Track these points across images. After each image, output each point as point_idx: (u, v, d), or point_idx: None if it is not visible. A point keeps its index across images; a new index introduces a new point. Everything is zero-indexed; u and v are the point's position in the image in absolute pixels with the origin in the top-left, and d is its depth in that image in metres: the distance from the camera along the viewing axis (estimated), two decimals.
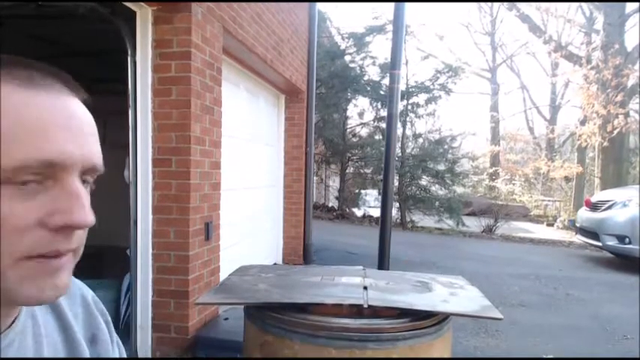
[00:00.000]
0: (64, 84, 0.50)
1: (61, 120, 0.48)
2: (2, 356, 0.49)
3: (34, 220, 0.46)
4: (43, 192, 0.46)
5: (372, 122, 12.43)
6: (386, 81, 10.74)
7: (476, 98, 28.91)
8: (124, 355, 0.74)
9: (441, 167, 11.40)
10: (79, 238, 0.50)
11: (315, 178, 10.96)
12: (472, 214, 11.87)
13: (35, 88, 0.47)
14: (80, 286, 0.68)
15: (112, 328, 0.71)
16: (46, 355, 0.56)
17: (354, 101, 12.80)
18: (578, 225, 7.69)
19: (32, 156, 0.45)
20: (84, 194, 0.49)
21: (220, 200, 3.53)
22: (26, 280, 0.47)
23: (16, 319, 0.53)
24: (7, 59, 0.48)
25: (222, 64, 3.49)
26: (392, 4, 4.12)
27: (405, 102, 11.29)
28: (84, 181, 0.50)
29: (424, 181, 11.44)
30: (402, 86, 8.13)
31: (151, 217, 3.05)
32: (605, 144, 12.93)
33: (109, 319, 0.70)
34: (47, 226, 0.46)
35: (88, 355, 0.62)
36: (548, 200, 18.24)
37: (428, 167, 11.27)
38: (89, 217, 0.48)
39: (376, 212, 10.97)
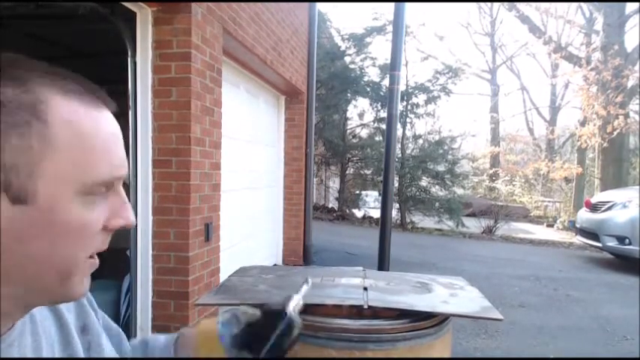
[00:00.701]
0: (104, 99, 0.54)
1: (117, 136, 0.54)
2: (3, 356, 0.50)
3: (102, 225, 0.52)
4: (104, 200, 0.52)
5: (372, 123, 12.43)
6: (386, 82, 10.74)
7: (476, 99, 29.07)
8: (111, 324, 0.76)
9: (441, 168, 11.40)
10: None
11: (315, 179, 10.96)
12: (472, 215, 11.86)
13: (101, 108, 0.52)
14: None
15: (95, 306, 0.72)
16: (44, 353, 0.57)
17: (354, 102, 12.80)
18: (578, 226, 7.69)
19: (111, 172, 0.51)
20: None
21: (220, 201, 3.53)
22: (83, 278, 0.53)
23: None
24: (56, 73, 0.50)
25: (222, 65, 3.49)
26: (392, 5, 4.13)
27: (405, 103, 11.29)
28: None
29: (424, 182, 11.44)
30: (402, 87, 8.14)
31: (151, 218, 3.05)
32: (605, 145, 12.94)
33: (91, 297, 0.71)
34: (108, 228, 0.53)
35: (81, 349, 0.63)
36: (548, 201, 18.24)
37: (428, 168, 11.27)
38: (134, 218, 0.56)
39: (376, 213, 10.96)
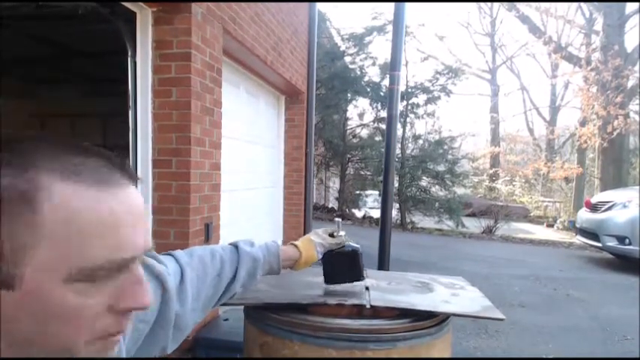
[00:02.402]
0: (123, 173, 0.52)
1: (129, 214, 0.50)
2: None
3: (104, 307, 0.49)
4: (111, 282, 0.49)
5: (372, 123, 12.43)
6: (386, 82, 10.75)
7: (476, 99, 29.10)
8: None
9: (441, 168, 11.39)
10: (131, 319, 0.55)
11: (315, 179, 10.96)
12: (472, 215, 11.86)
13: (106, 186, 0.49)
14: None
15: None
16: None
17: (354, 102, 12.80)
18: (578, 226, 7.69)
19: (110, 256, 0.48)
20: (144, 278, 0.52)
21: (220, 201, 3.53)
22: (94, 353, 0.51)
23: None
24: (66, 152, 0.49)
25: (222, 65, 3.49)
26: (392, 5, 4.13)
27: (405, 103, 11.29)
28: None
29: (424, 182, 11.44)
30: (402, 87, 8.13)
31: (151, 218, 3.05)
32: (605, 145, 12.94)
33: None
34: (115, 310, 0.50)
35: None
36: (548, 201, 18.25)
37: (428, 168, 11.27)
38: (149, 299, 0.52)
39: (376, 213, 10.97)
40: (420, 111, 11.78)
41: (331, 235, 1.38)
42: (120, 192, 0.50)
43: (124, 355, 0.68)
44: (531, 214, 16.01)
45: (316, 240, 1.32)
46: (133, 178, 0.53)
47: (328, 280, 1.43)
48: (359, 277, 1.43)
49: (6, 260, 0.45)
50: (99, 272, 0.47)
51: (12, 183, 0.46)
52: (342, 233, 1.40)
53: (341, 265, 1.40)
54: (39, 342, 0.47)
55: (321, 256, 1.33)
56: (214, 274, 1.02)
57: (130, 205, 0.51)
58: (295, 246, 1.28)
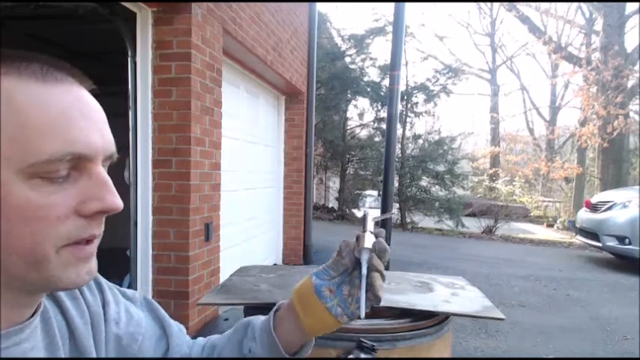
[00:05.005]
0: (73, 76, 0.52)
1: (81, 112, 0.50)
2: (3, 356, 0.50)
3: (71, 209, 0.48)
4: (72, 182, 0.49)
5: (372, 123, 12.43)
6: (386, 82, 10.75)
7: (476, 99, 29.07)
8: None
9: (441, 168, 11.39)
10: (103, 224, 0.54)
11: (315, 179, 10.95)
12: (472, 214, 11.85)
13: (53, 82, 0.49)
14: None
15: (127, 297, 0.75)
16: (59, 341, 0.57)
17: (353, 102, 12.80)
18: (578, 226, 7.69)
19: (62, 149, 0.47)
20: (110, 180, 0.52)
21: (220, 201, 3.53)
22: (68, 267, 0.50)
23: (36, 311, 0.54)
24: (20, 55, 0.49)
25: (222, 65, 3.49)
26: (392, 5, 4.13)
27: (404, 103, 11.29)
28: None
29: (424, 182, 11.44)
30: (401, 87, 8.14)
31: (151, 217, 3.05)
32: (605, 145, 12.94)
33: (117, 290, 0.74)
34: (82, 213, 0.49)
35: (87, 338, 0.62)
36: (548, 201, 18.25)
37: (428, 168, 11.27)
38: (119, 201, 0.52)
39: (376, 213, 10.94)
40: (420, 110, 11.79)
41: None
42: (70, 90, 0.50)
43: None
44: (531, 214, 16.01)
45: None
46: (86, 82, 0.53)
47: None
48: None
49: None
50: (52, 167, 0.46)
51: None
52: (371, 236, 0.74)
53: None
54: (6, 244, 0.46)
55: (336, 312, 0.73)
56: None
57: (81, 102, 0.50)
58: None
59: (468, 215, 11.55)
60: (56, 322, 0.58)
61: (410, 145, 11.97)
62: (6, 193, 0.45)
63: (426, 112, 11.86)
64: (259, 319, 0.77)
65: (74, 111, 0.49)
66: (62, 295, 0.61)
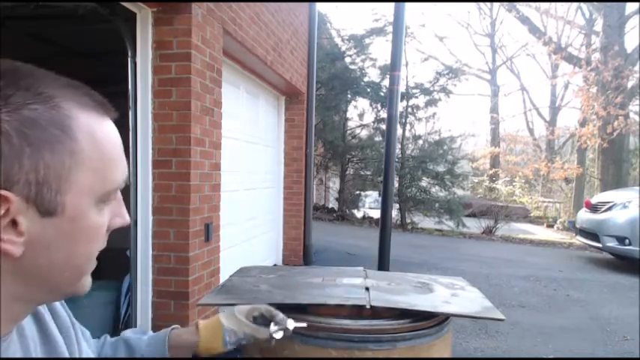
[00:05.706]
0: (108, 108, 0.56)
1: (119, 146, 0.56)
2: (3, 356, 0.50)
3: (106, 227, 0.56)
4: (110, 202, 0.56)
5: (372, 124, 12.43)
6: (386, 82, 10.75)
7: (476, 100, 29.07)
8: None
9: (441, 169, 11.40)
10: None
11: (315, 179, 10.95)
12: (472, 215, 11.86)
13: (106, 117, 0.54)
14: None
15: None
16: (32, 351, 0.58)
17: (353, 103, 12.81)
18: (578, 226, 7.69)
19: (122, 178, 0.55)
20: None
21: (220, 201, 3.53)
22: (89, 274, 0.57)
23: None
24: (68, 83, 0.52)
25: (222, 66, 3.49)
26: (392, 5, 4.13)
27: (404, 103, 11.29)
28: None
29: (424, 182, 11.44)
30: (401, 88, 8.14)
31: (151, 218, 3.04)
32: (605, 145, 12.94)
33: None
34: (109, 228, 0.57)
35: (63, 344, 0.64)
36: (548, 201, 18.26)
37: (428, 169, 11.27)
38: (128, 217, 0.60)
39: (376, 214, 10.96)
40: (420, 111, 11.80)
41: (257, 319, 1.01)
42: (112, 125, 0.56)
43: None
44: (531, 215, 16.02)
45: (227, 325, 0.96)
46: (114, 113, 0.57)
47: None
48: None
49: (49, 187, 0.47)
50: (114, 194, 0.55)
51: (45, 111, 0.47)
52: (279, 318, 1.01)
53: None
54: (66, 263, 0.51)
55: (229, 347, 0.95)
56: None
57: (118, 138, 0.57)
58: (197, 329, 0.96)
59: (468, 216, 11.56)
60: (29, 331, 0.59)
61: (410, 145, 11.98)
62: (82, 217, 0.50)
63: (426, 118, 11.90)
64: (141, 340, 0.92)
65: (117, 146, 0.55)
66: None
